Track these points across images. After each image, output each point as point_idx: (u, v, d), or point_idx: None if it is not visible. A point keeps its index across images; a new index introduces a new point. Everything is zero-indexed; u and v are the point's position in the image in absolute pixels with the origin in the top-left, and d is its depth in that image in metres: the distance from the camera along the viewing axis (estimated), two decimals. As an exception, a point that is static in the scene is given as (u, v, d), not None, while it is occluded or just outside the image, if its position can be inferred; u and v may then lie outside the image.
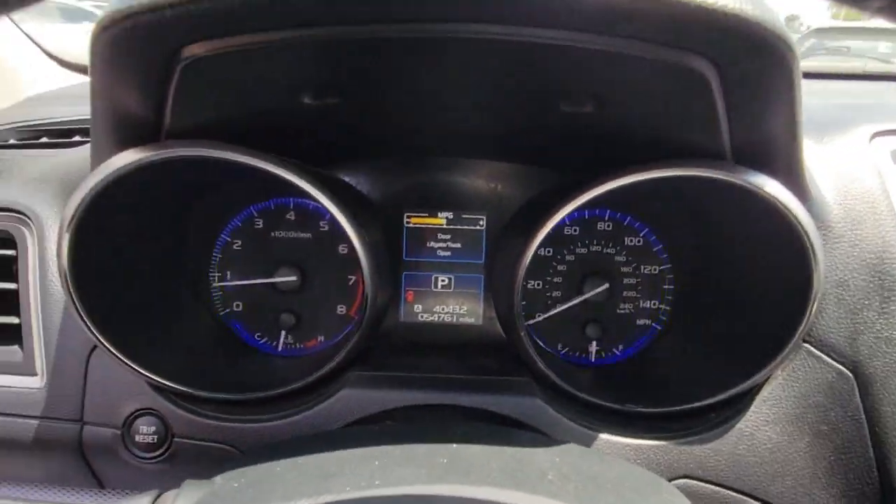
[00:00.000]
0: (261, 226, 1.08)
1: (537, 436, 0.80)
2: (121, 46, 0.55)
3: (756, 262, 0.84)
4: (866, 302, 0.78)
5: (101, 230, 0.78)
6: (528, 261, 0.84)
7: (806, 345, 0.80)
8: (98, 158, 0.74)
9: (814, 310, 0.74)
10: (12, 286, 0.90)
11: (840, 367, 0.79)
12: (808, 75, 1.62)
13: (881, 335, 0.77)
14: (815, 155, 0.85)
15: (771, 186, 0.70)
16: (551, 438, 0.78)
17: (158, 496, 0.59)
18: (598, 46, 0.54)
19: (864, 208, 0.81)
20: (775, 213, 0.71)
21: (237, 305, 1.08)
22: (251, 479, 0.60)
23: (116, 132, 0.71)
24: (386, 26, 0.58)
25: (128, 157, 0.70)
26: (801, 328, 0.75)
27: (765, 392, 0.82)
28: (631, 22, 0.49)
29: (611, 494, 0.57)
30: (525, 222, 0.95)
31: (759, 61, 0.54)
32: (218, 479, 0.62)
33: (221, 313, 1.08)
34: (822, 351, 0.80)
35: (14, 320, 0.90)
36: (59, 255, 0.75)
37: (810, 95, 1.19)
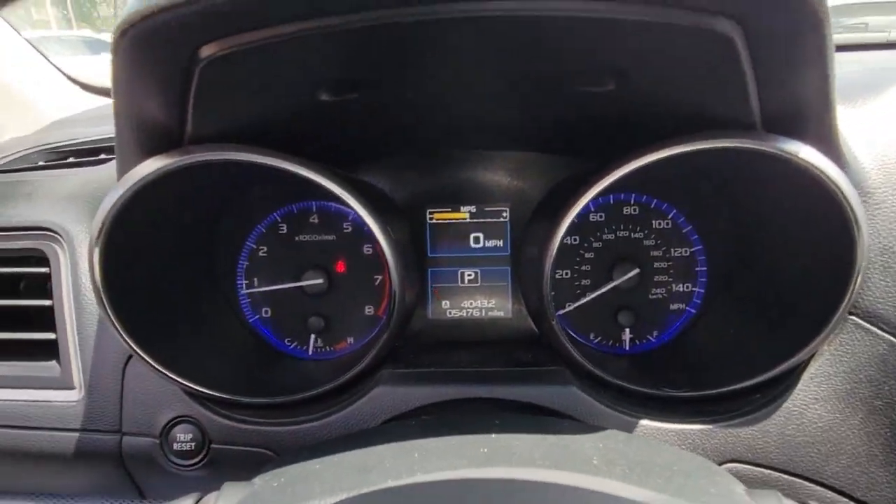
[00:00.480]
0: (285, 231, 1.08)
1: (577, 423, 0.78)
2: (140, 50, 0.55)
3: (794, 235, 0.81)
4: (914, 268, 0.75)
5: (130, 241, 0.79)
6: (555, 249, 0.83)
7: (853, 317, 0.77)
8: (123, 169, 0.75)
9: (859, 280, 0.71)
10: (47, 303, 0.92)
11: (891, 338, 0.75)
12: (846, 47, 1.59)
13: (932, 302, 0.73)
14: (849, 120, 0.82)
15: (806, 153, 0.67)
16: (592, 426, 0.76)
17: (200, 499, 0.59)
18: (620, 15, 0.53)
19: (904, 173, 0.77)
20: (812, 181, 0.69)
21: (266, 311, 1.09)
22: (290, 477, 0.60)
23: (140, 141, 0.72)
24: (402, 10, 0.57)
25: (152, 165, 0.71)
26: (847, 300, 0.72)
27: (812, 369, 0.79)
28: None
29: (659, 477, 0.55)
30: (549, 210, 0.94)
31: (787, 17, 0.52)
32: (257, 480, 0.62)
33: (251, 320, 1.08)
34: (870, 322, 0.76)
35: (51, 336, 0.91)
36: (91, 269, 0.76)
37: (853, 65, 1.16)
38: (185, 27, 0.53)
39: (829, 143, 0.72)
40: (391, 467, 0.53)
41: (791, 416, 0.78)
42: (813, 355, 0.79)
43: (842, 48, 1.64)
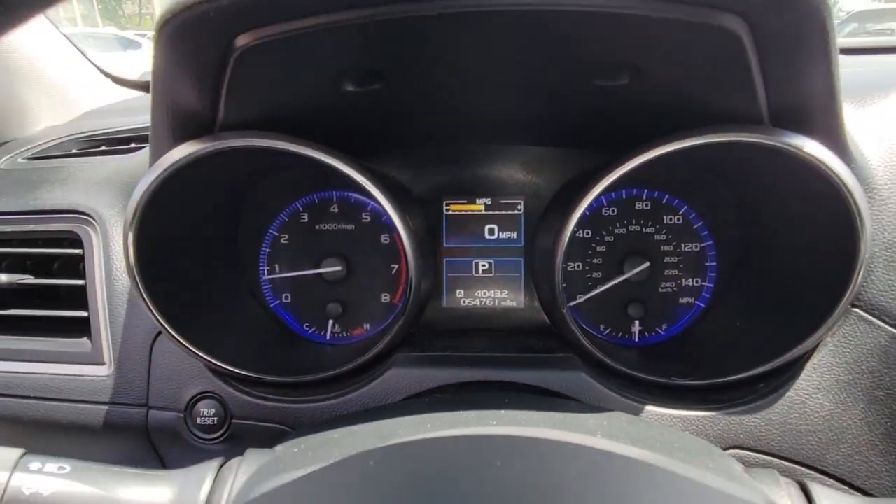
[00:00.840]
0: (306, 220, 1.12)
1: (584, 405, 0.81)
2: (179, 41, 0.59)
3: (800, 229, 0.83)
4: (917, 263, 0.76)
5: (161, 225, 0.83)
6: (566, 240, 0.85)
7: (856, 309, 0.79)
8: (156, 154, 0.79)
9: (861, 273, 0.73)
10: (80, 283, 0.96)
11: (893, 330, 0.77)
12: (852, 51, 1.59)
13: (935, 296, 0.75)
14: (858, 118, 0.84)
15: (811, 147, 0.70)
16: (598, 408, 0.79)
17: (224, 464, 0.63)
18: (630, 10, 0.56)
19: (910, 170, 0.79)
20: (817, 175, 0.71)
21: (286, 297, 1.12)
22: (310, 444, 0.63)
23: (174, 127, 0.76)
24: (426, 3, 0.60)
25: (184, 150, 0.75)
26: (849, 292, 0.74)
27: (815, 360, 0.81)
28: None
29: (659, 451, 0.58)
30: (562, 203, 0.97)
31: (791, 15, 0.55)
32: (279, 447, 0.65)
33: (272, 305, 1.12)
34: (873, 315, 0.78)
35: (83, 314, 0.96)
36: (125, 250, 0.80)
37: (855, 66, 1.17)
38: (222, 18, 0.56)
39: (835, 138, 0.74)
40: (405, 434, 0.56)
41: (794, 405, 0.80)
42: (816, 346, 0.81)
43: (866, 51, 1.65)
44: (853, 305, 0.79)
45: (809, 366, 0.80)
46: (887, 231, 0.78)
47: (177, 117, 0.75)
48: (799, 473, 0.79)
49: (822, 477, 0.79)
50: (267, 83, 0.72)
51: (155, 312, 0.82)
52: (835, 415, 0.79)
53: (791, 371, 0.82)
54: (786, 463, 0.80)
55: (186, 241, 0.91)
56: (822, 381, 0.80)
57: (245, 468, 0.61)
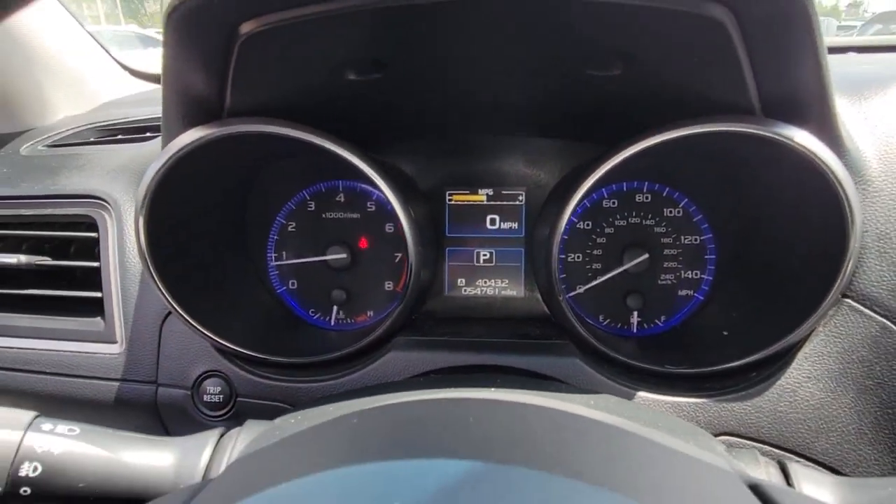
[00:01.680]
0: (313, 208, 1.15)
1: (574, 388, 0.83)
2: (186, 27, 0.62)
3: (793, 220, 0.84)
4: (909, 254, 0.77)
5: (171, 209, 0.87)
6: (561, 230, 0.87)
7: (847, 300, 0.80)
8: (167, 140, 0.83)
9: (851, 264, 0.74)
10: (95, 265, 1.00)
11: (884, 320, 0.78)
12: (872, 49, 1.59)
13: (925, 286, 0.76)
14: (854, 111, 0.85)
15: (801, 137, 0.71)
16: (588, 391, 0.80)
17: (224, 433, 0.66)
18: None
19: (904, 162, 0.80)
20: (808, 165, 0.72)
21: (292, 283, 1.16)
22: (306, 416, 0.66)
23: (183, 114, 0.80)
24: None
25: (193, 135, 0.78)
26: (839, 283, 0.75)
27: (806, 349, 0.82)
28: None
29: (643, 430, 0.59)
30: (559, 195, 0.98)
31: (773, 4, 0.56)
32: (277, 420, 0.68)
33: (278, 290, 1.16)
34: (864, 305, 0.79)
35: (97, 295, 1.00)
36: (136, 233, 0.83)
37: (874, 64, 1.17)
38: (226, 5, 0.59)
39: (828, 129, 0.75)
40: (390, 399, 0.59)
41: (784, 394, 0.81)
42: (808, 336, 0.82)
43: (886, 49, 1.65)
44: (845, 296, 0.80)
45: (801, 355, 0.81)
46: (880, 222, 0.79)
47: (186, 103, 0.78)
48: (788, 461, 0.80)
49: (811, 464, 0.80)
50: (271, 70, 0.74)
51: (164, 293, 0.86)
52: (825, 403, 0.80)
53: (783, 360, 0.83)
54: (775, 450, 0.81)
55: (196, 226, 0.95)
56: (812, 370, 0.81)
57: (244, 437, 0.64)
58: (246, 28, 0.63)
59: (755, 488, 0.37)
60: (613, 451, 0.37)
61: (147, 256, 0.85)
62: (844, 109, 0.85)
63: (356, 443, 0.44)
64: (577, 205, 0.86)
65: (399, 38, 0.71)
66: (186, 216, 0.91)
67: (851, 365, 0.79)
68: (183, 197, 0.88)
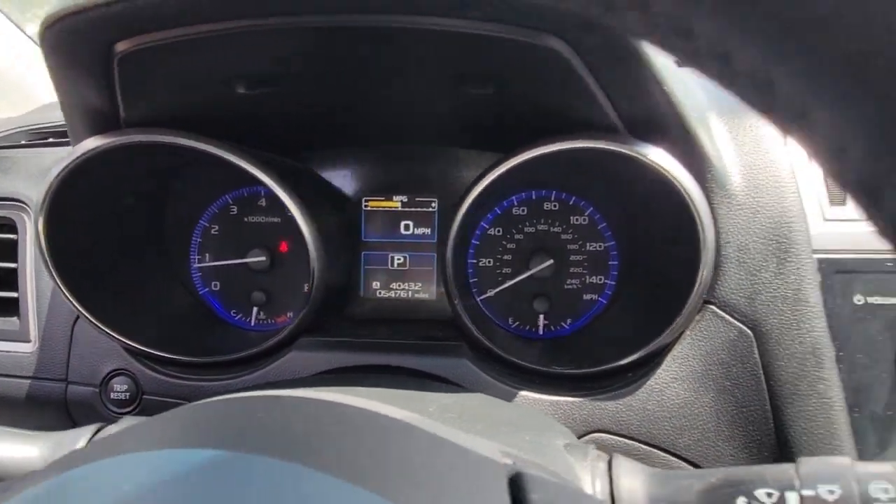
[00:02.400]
0: (235, 212, 1.19)
1: (455, 387, 0.87)
2: (61, 44, 0.66)
3: (664, 229, 0.89)
4: (764, 264, 0.82)
5: (75, 213, 0.90)
6: (452, 237, 0.92)
7: (710, 306, 0.85)
8: (74, 145, 0.86)
9: (706, 272, 0.80)
10: (13, 265, 1.03)
11: (741, 325, 0.83)
12: None
13: (777, 294, 0.81)
14: (726, 127, 0.90)
15: (654, 154, 0.76)
16: (468, 391, 0.85)
17: (101, 428, 0.69)
18: (461, 30, 0.62)
19: (766, 178, 0.85)
20: (662, 181, 0.77)
21: (215, 285, 1.19)
22: (181, 410, 0.70)
23: (83, 122, 0.83)
24: (291, 19, 0.67)
25: (87, 145, 0.82)
26: (696, 289, 0.80)
27: (675, 351, 0.87)
28: (469, 3, 0.57)
29: (481, 423, 0.64)
30: (459, 204, 1.03)
31: (598, 37, 0.61)
32: (157, 415, 0.72)
33: (201, 292, 1.19)
34: (724, 311, 0.84)
35: (13, 295, 1.03)
36: (35, 234, 0.87)
37: None
38: (96, 26, 0.63)
39: (689, 146, 0.80)
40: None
41: (653, 393, 0.86)
42: (678, 339, 0.87)
43: None
44: (707, 302, 0.85)
45: (669, 357, 0.87)
46: (741, 234, 0.85)
47: (83, 114, 0.81)
48: (655, 456, 0.86)
49: (675, 459, 0.85)
50: (158, 84, 0.78)
51: (66, 293, 0.89)
52: (688, 402, 0.85)
53: (654, 362, 0.88)
54: (644, 446, 0.86)
55: (105, 230, 0.98)
56: (679, 372, 0.86)
57: (116, 429, 0.67)
58: (121, 47, 0.67)
59: (515, 479, 0.41)
60: (371, 442, 0.41)
61: (47, 257, 0.88)
62: (717, 125, 0.90)
63: (152, 434, 0.48)
64: (464, 217, 0.91)
65: (281, 57, 0.75)
66: (92, 220, 0.94)
67: (712, 367, 0.85)
68: (88, 201, 0.91)
